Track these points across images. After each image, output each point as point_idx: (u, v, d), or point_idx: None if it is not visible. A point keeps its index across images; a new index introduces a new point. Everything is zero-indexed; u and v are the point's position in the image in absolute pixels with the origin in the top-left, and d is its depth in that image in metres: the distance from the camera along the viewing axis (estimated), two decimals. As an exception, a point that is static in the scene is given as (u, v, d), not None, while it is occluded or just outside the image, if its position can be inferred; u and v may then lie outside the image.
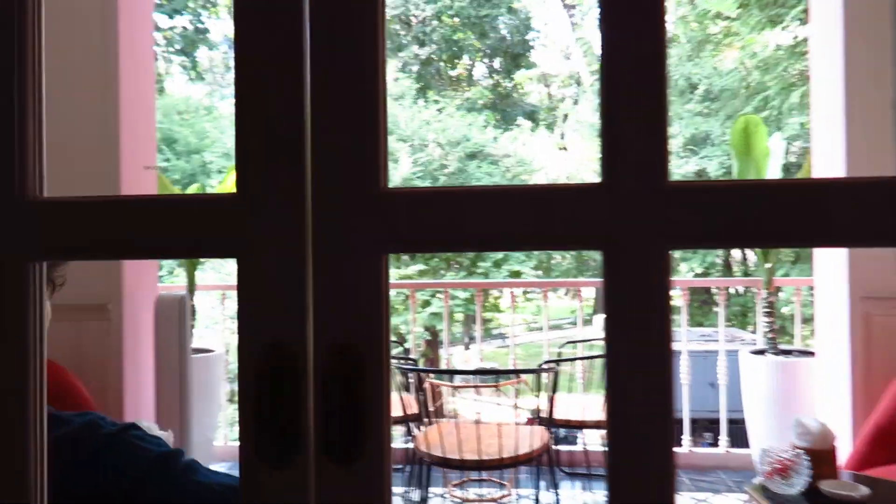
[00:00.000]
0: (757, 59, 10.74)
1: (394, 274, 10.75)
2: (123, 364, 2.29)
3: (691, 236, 0.50)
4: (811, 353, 2.95)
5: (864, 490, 1.67)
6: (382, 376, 0.53)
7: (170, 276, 9.00)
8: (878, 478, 1.81)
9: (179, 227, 0.51)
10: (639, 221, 0.49)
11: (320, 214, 0.50)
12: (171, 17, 11.94)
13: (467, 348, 16.63)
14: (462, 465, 2.17)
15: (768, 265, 3.08)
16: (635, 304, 0.49)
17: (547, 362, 2.85)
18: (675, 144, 11.73)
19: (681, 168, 11.58)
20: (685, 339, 3.32)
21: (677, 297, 3.21)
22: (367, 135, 0.50)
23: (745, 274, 13.85)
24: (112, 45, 2.23)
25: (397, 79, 12.62)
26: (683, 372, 3.29)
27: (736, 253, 14.56)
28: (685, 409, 3.37)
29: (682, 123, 11.70)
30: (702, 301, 13.39)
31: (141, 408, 2.31)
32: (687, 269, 12.41)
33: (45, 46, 0.48)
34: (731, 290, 12.10)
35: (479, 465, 2.17)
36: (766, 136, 3.08)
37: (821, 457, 1.73)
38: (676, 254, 12.66)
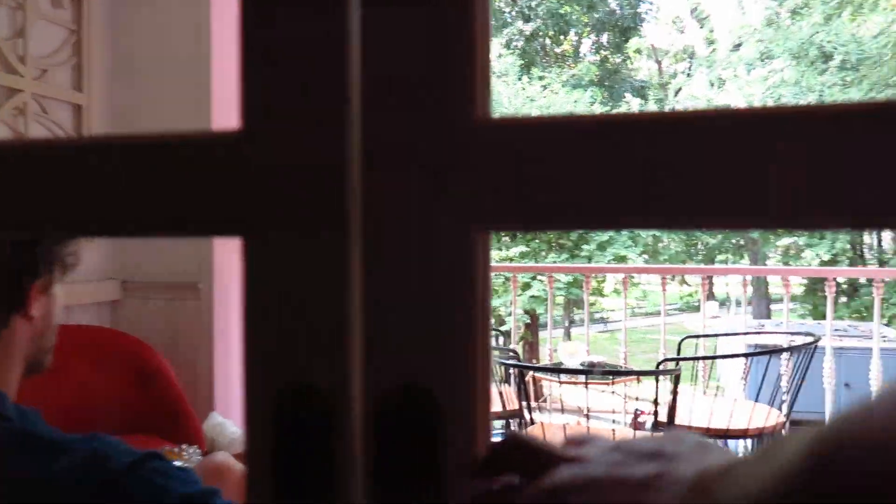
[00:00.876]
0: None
1: (494, 255, 10.55)
2: (214, 348, 2.22)
3: None
4: None
5: None
6: (475, 435, 0.31)
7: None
8: None
9: (146, 187, 0.31)
10: None
11: (374, 163, 0.29)
12: None
13: (567, 334, 16.22)
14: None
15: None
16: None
17: (666, 360, 2.53)
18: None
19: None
20: (829, 332, 2.89)
21: (796, 286, 2.76)
22: (452, 29, 0.28)
23: (881, 263, 12.61)
24: (205, 9, 2.14)
25: (500, 55, 12.34)
26: (827, 369, 2.87)
27: (868, 238, 13.23)
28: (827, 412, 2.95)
29: (814, 96, 10.65)
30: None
31: (231, 396, 2.23)
32: (813, 256, 11.40)
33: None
34: (862, 281, 11.01)
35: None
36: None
37: None
38: (801, 240, 11.67)
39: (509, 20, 13.74)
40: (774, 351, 2.32)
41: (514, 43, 13.20)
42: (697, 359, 2.42)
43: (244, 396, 0.34)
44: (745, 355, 2.29)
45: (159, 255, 2.17)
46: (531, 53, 13.91)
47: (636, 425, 2.86)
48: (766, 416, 2.35)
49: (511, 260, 10.62)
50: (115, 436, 0.57)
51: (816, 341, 2.40)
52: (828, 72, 10.71)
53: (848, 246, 11.79)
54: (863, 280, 11.02)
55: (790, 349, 2.35)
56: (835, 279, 2.98)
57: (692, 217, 0.24)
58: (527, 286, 10.52)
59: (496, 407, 2.57)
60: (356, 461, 0.32)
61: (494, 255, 10.60)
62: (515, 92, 11.70)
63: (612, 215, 0.25)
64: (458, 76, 0.29)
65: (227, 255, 2.25)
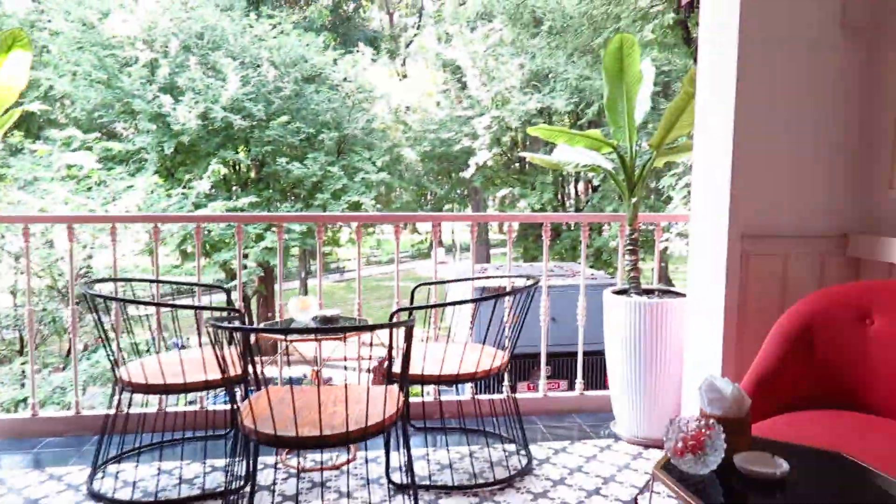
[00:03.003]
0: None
1: (221, 206, 9.81)
2: None
3: None
4: (679, 294, 2.84)
5: (783, 465, 1.44)
6: None
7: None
8: (793, 443, 1.62)
9: None
10: None
11: None
12: None
13: (304, 286, 15.99)
14: (300, 444, 1.74)
15: (634, 199, 2.89)
16: None
17: (399, 310, 2.46)
18: (519, 80, 11.63)
19: (525, 105, 11.51)
20: (545, 272, 3.09)
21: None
22: None
23: (577, 210, 14.42)
24: None
25: (224, -14, 11.31)
26: (543, 307, 3.07)
27: (572, 189, 15.06)
28: (542, 347, 3.18)
29: (528, 57, 11.57)
30: (536, 236, 13.75)
31: None
32: (525, 206, 12.59)
33: None
34: (564, 227, 12.51)
35: (320, 443, 1.75)
36: (640, 58, 2.84)
37: (735, 426, 1.48)
38: (516, 190, 12.81)
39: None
40: (500, 295, 2.38)
41: (241, -25, 12.19)
42: (429, 307, 2.39)
43: None
44: (474, 301, 2.31)
45: None
46: (259, -11, 13.03)
47: (382, 373, 2.78)
48: (492, 358, 2.43)
49: (242, 210, 9.98)
50: None
51: (537, 283, 2.52)
52: (539, 36, 11.69)
53: (553, 196, 13.25)
54: (564, 227, 12.51)
55: (513, 292, 2.43)
56: (549, 224, 3.18)
57: None
58: (260, 238, 10.01)
59: (215, 374, 2.28)
60: None
61: (221, 205, 9.86)
62: (242, 29, 10.84)
63: None
64: None
65: None
